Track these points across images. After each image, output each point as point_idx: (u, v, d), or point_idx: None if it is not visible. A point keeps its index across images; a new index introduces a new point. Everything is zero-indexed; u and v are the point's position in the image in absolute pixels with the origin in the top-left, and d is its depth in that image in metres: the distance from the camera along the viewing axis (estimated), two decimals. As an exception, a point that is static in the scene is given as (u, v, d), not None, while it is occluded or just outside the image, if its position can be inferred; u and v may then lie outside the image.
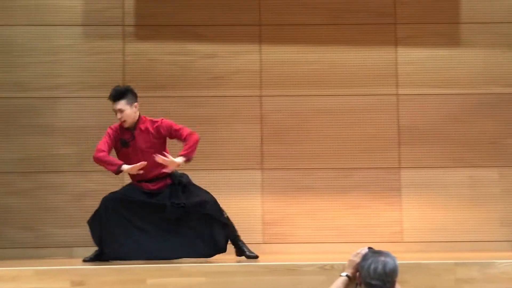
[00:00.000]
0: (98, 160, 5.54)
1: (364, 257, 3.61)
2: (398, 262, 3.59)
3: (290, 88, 7.97)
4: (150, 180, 5.65)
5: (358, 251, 3.85)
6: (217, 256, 5.81)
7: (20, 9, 7.98)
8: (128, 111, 5.60)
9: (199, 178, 7.78)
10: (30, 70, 7.91)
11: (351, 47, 8.03)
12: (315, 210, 7.82)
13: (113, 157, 5.61)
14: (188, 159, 5.53)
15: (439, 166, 7.88)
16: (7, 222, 7.73)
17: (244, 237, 7.74)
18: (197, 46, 7.99)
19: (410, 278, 4.39)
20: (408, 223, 7.82)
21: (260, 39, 8.03)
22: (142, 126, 5.67)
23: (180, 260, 5.48)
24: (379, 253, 3.60)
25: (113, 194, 5.65)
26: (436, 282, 4.42)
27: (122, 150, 5.64)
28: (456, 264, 4.43)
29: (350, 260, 3.91)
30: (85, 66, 7.94)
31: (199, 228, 5.69)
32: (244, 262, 5.18)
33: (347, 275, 3.89)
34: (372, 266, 3.51)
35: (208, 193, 5.85)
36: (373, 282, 3.50)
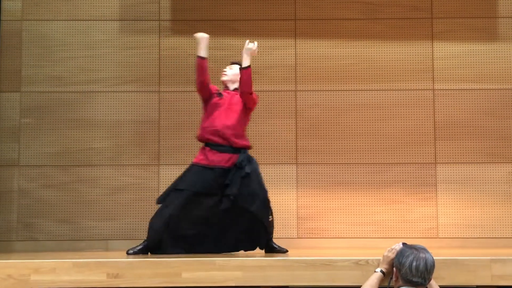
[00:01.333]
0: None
1: (403, 254, 3.59)
2: (435, 258, 3.59)
3: (324, 83, 7.96)
4: (219, 146, 5.59)
5: (393, 246, 3.85)
6: (253, 251, 5.84)
7: (57, 4, 8.09)
8: (235, 72, 5.79)
9: (233, 173, 7.84)
10: (68, 64, 8.02)
11: (386, 42, 7.99)
12: (350, 205, 7.81)
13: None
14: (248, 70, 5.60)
15: (475, 162, 7.81)
16: (45, 215, 7.85)
17: (279, 231, 7.77)
18: (233, 41, 8.01)
19: (446, 274, 4.36)
20: (443, 219, 7.77)
21: (295, 34, 8.03)
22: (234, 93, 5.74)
23: (214, 253, 5.51)
24: (416, 249, 3.58)
25: (178, 188, 5.59)
26: (472, 278, 4.39)
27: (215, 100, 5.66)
28: (492, 260, 4.39)
29: (384, 256, 3.91)
30: (122, 60, 8.02)
31: (243, 223, 5.68)
32: (279, 256, 5.20)
33: (381, 271, 3.89)
34: (414, 264, 3.50)
35: (262, 188, 5.72)
36: (415, 279, 3.50)
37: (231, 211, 5.60)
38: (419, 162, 7.86)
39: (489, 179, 7.78)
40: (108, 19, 8.08)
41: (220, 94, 5.71)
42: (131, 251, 5.59)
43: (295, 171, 7.89)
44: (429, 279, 3.52)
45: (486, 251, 6.09)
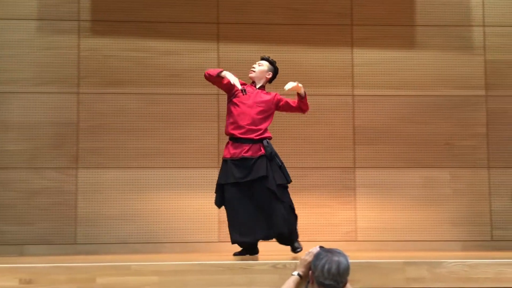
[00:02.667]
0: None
1: (318, 257, 3.60)
2: (351, 261, 3.62)
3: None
4: (240, 139, 5.75)
5: (310, 250, 3.87)
6: (170, 256, 5.79)
7: (-27, 2, 7.85)
8: (263, 69, 5.97)
9: (155, 176, 7.77)
10: (-17, 64, 7.78)
11: (308, 47, 8.07)
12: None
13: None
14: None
15: (393, 166, 7.97)
16: (-42, 218, 7.59)
17: (200, 236, 7.74)
18: (155, 43, 7.94)
19: (361, 277, 4.41)
20: (361, 222, 7.89)
21: (218, 37, 8.02)
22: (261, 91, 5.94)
23: (130, 258, 5.44)
24: (332, 252, 3.60)
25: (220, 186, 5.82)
26: (386, 281, 4.46)
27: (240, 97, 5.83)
28: (405, 263, 4.47)
29: (302, 259, 3.93)
30: (39, 61, 7.83)
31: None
32: (197, 261, 5.16)
33: (298, 274, 3.90)
34: (326, 266, 3.51)
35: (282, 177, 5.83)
36: (327, 282, 3.52)
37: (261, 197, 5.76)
38: (339, 166, 7.96)
39: (405, 183, 7.95)
40: (25, 18, 7.87)
41: (244, 91, 5.87)
42: (237, 253, 5.85)
43: (217, 175, 7.85)
44: (343, 282, 3.54)
45: (401, 254, 6.21)
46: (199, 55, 7.96)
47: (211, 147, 7.88)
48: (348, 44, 8.10)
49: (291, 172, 7.87)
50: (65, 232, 7.61)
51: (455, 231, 7.87)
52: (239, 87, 5.78)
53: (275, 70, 6.08)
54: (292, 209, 5.90)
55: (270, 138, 5.87)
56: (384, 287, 4.46)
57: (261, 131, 5.79)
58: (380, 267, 4.47)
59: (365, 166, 7.99)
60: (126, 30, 7.94)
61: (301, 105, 6.01)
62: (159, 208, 7.73)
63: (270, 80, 6.06)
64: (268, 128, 5.90)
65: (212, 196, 7.85)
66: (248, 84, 5.98)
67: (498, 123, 7.99)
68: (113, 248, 7.52)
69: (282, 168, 5.80)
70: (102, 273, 4.35)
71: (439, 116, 8.04)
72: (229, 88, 5.85)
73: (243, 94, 5.83)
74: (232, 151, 5.76)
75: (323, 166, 7.93)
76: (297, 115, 7.94)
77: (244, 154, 5.72)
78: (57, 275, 4.32)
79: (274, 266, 4.44)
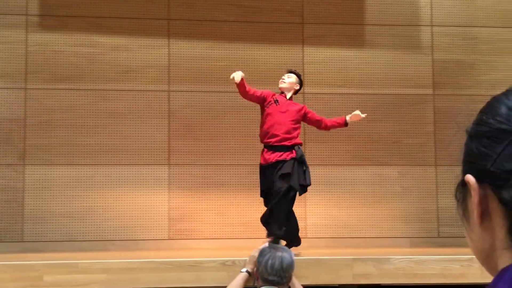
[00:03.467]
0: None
1: (261, 253, 3.62)
2: (300, 258, 3.65)
3: (198, 84, 7.96)
4: (273, 147, 6.13)
5: (259, 247, 3.89)
6: (119, 253, 5.74)
7: None
8: (292, 81, 6.38)
9: (104, 173, 7.70)
10: None
11: (260, 45, 8.09)
12: (222, 206, 7.84)
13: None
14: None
15: (343, 164, 8.05)
16: None
17: (149, 233, 7.70)
18: (106, 39, 7.86)
19: (309, 273, 4.45)
20: (312, 219, 7.95)
21: (169, 34, 7.98)
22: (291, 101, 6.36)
23: (77, 256, 5.38)
24: (276, 248, 3.63)
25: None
26: (335, 278, 4.51)
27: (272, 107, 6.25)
28: (353, 259, 4.53)
29: (251, 256, 3.95)
30: (-14, 55, 7.68)
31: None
32: (146, 258, 5.14)
33: (247, 271, 3.92)
34: (270, 262, 3.54)
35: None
36: (270, 278, 3.54)
37: None
38: (289, 163, 7.99)
39: (355, 180, 8.03)
40: (-29, 11, 7.71)
41: (276, 101, 6.28)
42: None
43: (167, 172, 7.83)
44: (287, 278, 3.56)
45: (349, 251, 6.28)
46: (150, 51, 7.92)
47: (161, 145, 7.84)
48: (299, 42, 8.15)
49: (240, 169, 7.91)
50: (12, 230, 7.49)
51: (403, 228, 7.99)
52: (238, 79, 6.13)
53: (301, 82, 6.50)
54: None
55: (301, 144, 6.29)
56: (332, 284, 4.50)
57: (293, 139, 6.20)
58: (328, 264, 4.52)
59: (315, 163, 8.04)
60: (76, 25, 7.84)
61: (333, 128, 6.54)
62: (108, 206, 7.66)
63: (296, 92, 6.43)
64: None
65: (162, 193, 7.84)
66: (278, 94, 6.36)
67: (445, 121, 8.13)
68: (60, 246, 7.43)
69: (306, 172, 6.20)
70: (50, 271, 4.30)
71: (388, 114, 8.15)
72: (262, 100, 6.29)
73: (276, 105, 6.24)
74: (267, 157, 6.17)
75: (274, 163, 7.94)
76: (252, 111, 7.96)
77: (278, 158, 6.13)
78: (3, 273, 4.26)
79: (223, 263, 4.45)
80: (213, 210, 7.84)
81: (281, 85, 6.37)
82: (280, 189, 6.00)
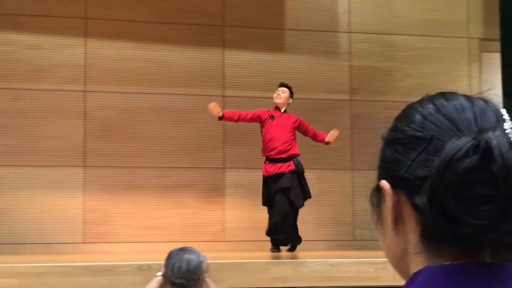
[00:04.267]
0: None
1: (169, 256, 3.55)
2: (217, 261, 3.62)
3: (116, 85, 7.83)
4: (274, 159, 6.72)
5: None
6: (31, 257, 5.59)
7: None
8: (286, 96, 6.94)
9: (16, 174, 7.47)
10: None
11: (179, 47, 8.03)
12: (139, 209, 7.74)
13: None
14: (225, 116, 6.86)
15: (260, 167, 8.07)
16: None
17: (63, 236, 7.52)
18: (18, 37, 7.63)
19: (226, 277, 4.44)
20: (230, 222, 7.94)
21: (85, 33, 7.82)
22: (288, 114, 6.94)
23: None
24: (183, 250, 3.56)
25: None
26: (252, 281, 4.51)
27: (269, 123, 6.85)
28: (270, 263, 4.55)
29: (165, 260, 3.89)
30: None
31: None
32: (59, 262, 5.01)
33: (162, 275, 3.86)
34: (177, 265, 3.47)
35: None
36: (177, 281, 3.48)
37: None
38: (208, 166, 7.97)
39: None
40: None
41: (272, 116, 6.84)
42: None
43: (82, 174, 7.67)
44: (194, 280, 3.50)
45: (267, 254, 6.30)
46: (65, 51, 7.73)
47: (76, 146, 7.67)
48: (219, 45, 8.13)
49: (158, 172, 7.83)
50: None
51: (320, 231, 8.07)
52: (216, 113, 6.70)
53: (292, 94, 6.99)
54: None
55: (298, 155, 6.81)
56: (250, 287, 4.51)
57: (291, 150, 6.75)
58: (245, 267, 4.52)
59: (234, 166, 8.04)
60: (-12, 22, 7.59)
61: (318, 141, 7.06)
62: (19, 208, 7.43)
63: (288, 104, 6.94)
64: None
65: (77, 196, 7.66)
66: (272, 109, 6.89)
67: (362, 127, 8.28)
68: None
69: (305, 185, 6.79)
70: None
71: (306, 119, 8.21)
72: (258, 120, 6.85)
73: (272, 120, 6.80)
74: (269, 169, 6.72)
75: (192, 166, 7.91)
76: (171, 113, 7.89)
77: (277, 171, 6.66)
78: None
79: (139, 267, 4.39)
80: (129, 213, 7.72)
81: (276, 101, 6.88)
82: (281, 205, 6.59)
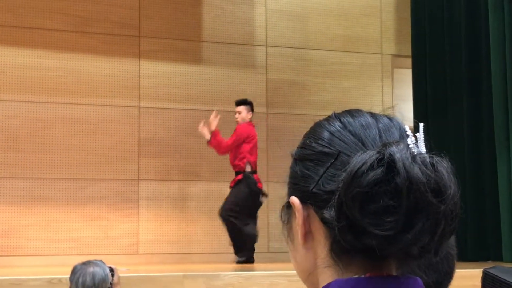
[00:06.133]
0: None
1: (73, 271, 3.46)
2: (131, 274, 3.55)
3: (27, 94, 7.62)
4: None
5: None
6: None
7: None
8: (243, 116, 7.29)
9: None
10: None
11: (94, 56, 7.90)
12: (49, 221, 7.54)
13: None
14: (212, 140, 7.07)
15: (176, 179, 8.02)
16: None
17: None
18: None
19: (139, 291, 4.37)
20: (144, 235, 7.84)
21: (-3, 40, 7.59)
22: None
23: None
24: (87, 264, 3.47)
25: None
26: (165, 295, 4.46)
27: None
28: (184, 276, 4.51)
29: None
30: None
31: None
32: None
33: (71, 289, 3.77)
34: (81, 280, 3.38)
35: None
36: (84, 295, 3.39)
37: None
38: (122, 178, 7.85)
39: (186, 196, 8.03)
40: None
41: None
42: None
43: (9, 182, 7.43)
44: None
45: (181, 267, 6.26)
46: (-26, 58, 7.48)
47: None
48: (135, 56, 8.05)
49: (70, 184, 7.65)
50: None
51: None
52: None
53: (252, 106, 7.32)
54: None
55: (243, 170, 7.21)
56: (162, 301, 4.46)
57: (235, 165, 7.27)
58: (159, 281, 4.47)
59: (149, 178, 7.96)
60: None
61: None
62: None
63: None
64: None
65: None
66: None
67: (277, 139, 8.34)
68: None
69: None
70: None
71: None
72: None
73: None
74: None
75: (105, 178, 7.77)
76: (84, 123, 7.74)
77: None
78: None
79: (49, 281, 4.28)
80: (39, 225, 7.51)
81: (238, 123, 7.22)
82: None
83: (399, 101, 8.85)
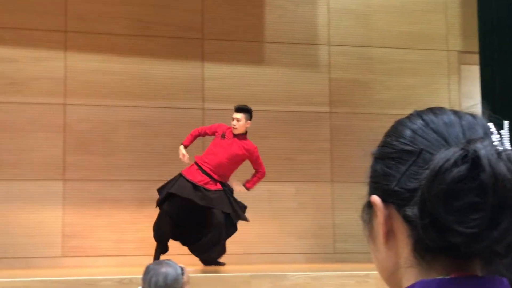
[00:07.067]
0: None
1: (146, 271, 3.51)
2: (198, 274, 3.59)
3: (96, 98, 7.79)
4: (205, 172, 6.58)
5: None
6: (9, 272, 5.52)
7: None
8: (242, 124, 6.70)
9: (-7, 188, 7.38)
10: None
11: (158, 60, 8.01)
12: (118, 222, 7.68)
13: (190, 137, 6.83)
14: (247, 190, 6.80)
15: (240, 180, 8.04)
16: None
17: (42, 250, 7.44)
18: (-3, 50, 7.57)
19: (207, 291, 4.41)
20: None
21: (65, 46, 7.77)
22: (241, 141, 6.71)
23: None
24: (160, 264, 3.52)
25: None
26: (232, 295, 4.49)
27: (218, 140, 6.70)
28: (251, 276, 4.53)
29: (146, 274, 3.86)
30: None
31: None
32: (38, 277, 4.95)
33: (143, 289, 3.83)
34: (153, 279, 3.43)
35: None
36: (155, 295, 3.44)
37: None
38: (187, 179, 7.92)
39: (251, 196, 8.01)
40: None
41: (223, 136, 6.67)
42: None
43: (62, 188, 7.61)
44: None
45: (247, 267, 6.28)
46: (43, 64, 7.68)
47: (56, 159, 7.60)
48: (199, 58, 8.13)
49: (138, 185, 7.77)
50: None
51: (299, 244, 8.06)
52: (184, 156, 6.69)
53: (251, 115, 6.78)
54: None
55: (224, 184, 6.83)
56: (230, 301, 4.48)
57: (224, 177, 6.76)
58: (226, 281, 4.50)
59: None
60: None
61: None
62: (-3, 222, 7.35)
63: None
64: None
65: (56, 209, 7.59)
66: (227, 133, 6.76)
67: (341, 139, 8.30)
68: None
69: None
70: None
71: (285, 131, 8.23)
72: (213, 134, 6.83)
73: (222, 139, 6.69)
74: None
75: (169, 179, 7.85)
76: (150, 126, 7.86)
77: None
78: None
79: (120, 281, 4.35)
80: (109, 226, 7.66)
81: (234, 132, 6.69)
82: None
83: (466, 99, 8.69)
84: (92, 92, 7.79)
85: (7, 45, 7.62)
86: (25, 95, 7.59)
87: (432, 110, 0.95)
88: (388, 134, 0.96)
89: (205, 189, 6.53)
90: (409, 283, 0.89)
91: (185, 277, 3.59)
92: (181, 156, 6.67)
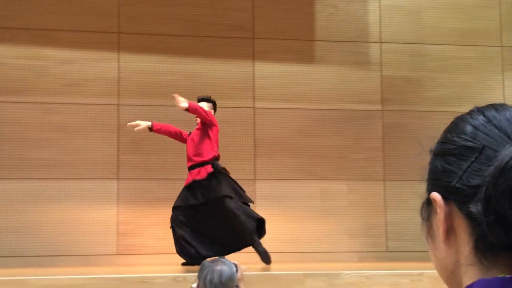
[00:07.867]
0: None
1: (201, 268, 3.55)
2: (252, 272, 3.61)
3: (148, 98, 7.90)
4: (190, 168, 6.64)
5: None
6: (68, 269, 5.64)
7: None
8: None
9: (53, 187, 7.56)
10: None
11: (209, 59, 8.08)
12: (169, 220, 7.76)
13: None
14: (191, 107, 6.45)
15: (292, 178, 8.07)
16: None
17: (97, 248, 7.59)
18: (52, 51, 7.74)
19: (260, 288, 4.44)
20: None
21: (119, 47, 7.91)
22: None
23: (25, 272, 5.26)
24: (215, 262, 3.56)
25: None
26: (286, 293, 4.51)
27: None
28: (305, 275, 4.54)
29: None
30: None
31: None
32: (95, 274, 5.05)
33: (196, 287, 3.87)
34: (208, 277, 3.47)
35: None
36: (210, 293, 3.47)
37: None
38: (239, 178, 7.96)
39: (303, 195, 8.05)
40: None
41: (190, 133, 6.83)
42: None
43: (116, 187, 7.74)
44: None
45: (300, 266, 6.29)
46: (98, 65, 7.82)
47: (110, 159, 7.74)
48: (250, 57, 8.17)
49: (183, 183, 7.84)
50: (-46, 246, 7.29)
51: (352, 242, 8.03)
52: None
53: (215, 105, 6.82)
54: None
55: (214, 158, 6.78)
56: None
57: (200, 155, 6.73)
58: (280, 279, 4.52)
59: (265, 178, 8.05)
60: (22, 38, 7.71)
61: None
62: (56, 220, 7.52)
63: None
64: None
65: (111, 208, 7.73)
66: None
67: (394, 137, 8.24)
68: (8, 261, 7.25)
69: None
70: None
71: (337, 129, 8.22)
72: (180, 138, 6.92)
73: (189, 135, 6.84)
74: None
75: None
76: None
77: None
78: None
79: (174, 279, 4.41)
80: (162, 225, 7.74)
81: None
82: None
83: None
84: (145, 92, 7.90)
85: (65, 47, 7.79)
86: (81, 96, 7.74)
87: (494, 106, 0.94)
88: (449, 130, 0.95)
89: (199, 185, 6.50)
90: (470, 282, 0.89)
91: (239, 274, 3.63)
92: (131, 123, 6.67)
